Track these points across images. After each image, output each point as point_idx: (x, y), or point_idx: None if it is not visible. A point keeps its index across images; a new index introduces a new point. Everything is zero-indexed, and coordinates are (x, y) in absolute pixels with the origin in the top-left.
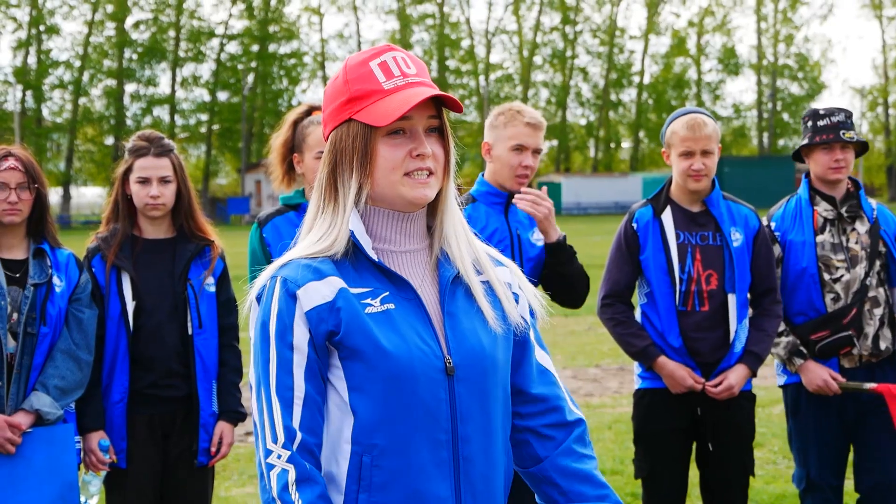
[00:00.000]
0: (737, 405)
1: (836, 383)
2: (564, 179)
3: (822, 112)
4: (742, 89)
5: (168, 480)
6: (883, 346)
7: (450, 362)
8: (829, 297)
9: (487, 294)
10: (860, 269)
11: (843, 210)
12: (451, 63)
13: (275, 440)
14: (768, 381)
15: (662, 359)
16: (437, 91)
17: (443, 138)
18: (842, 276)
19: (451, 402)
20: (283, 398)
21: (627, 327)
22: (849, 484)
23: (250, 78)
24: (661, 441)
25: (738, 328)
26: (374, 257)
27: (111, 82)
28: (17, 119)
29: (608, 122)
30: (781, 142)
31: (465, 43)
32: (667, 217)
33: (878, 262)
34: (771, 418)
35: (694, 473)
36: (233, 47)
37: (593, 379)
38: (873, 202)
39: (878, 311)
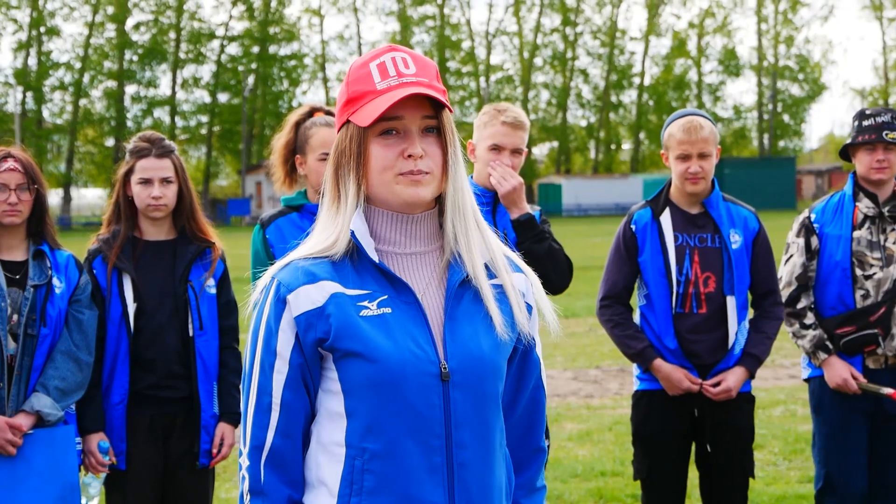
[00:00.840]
0: (736, 407)
1: (855, 383)
2: (565, 181)
3: (868, 112)
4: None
5: (169, 482)
6: None
7: (445, 368)
8: (859, 294)
9: (498, 299)
10: (894, 269)
11: (886, 209)
12: (452, 64)
13: (244, 444)
14: (768, 382)
15: (659, 361)
16: (421, 90)
17: (440, 138)
18: (874, 273)
19: (446, 408)
20: (259, 403)
21: (625, 329)
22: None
23: (251, 79)
24: (659, 442)
25: (736, 330)
26: (376, 259)
27: (112, 84)
28: (18, 120)
29: (609, 123)
30: (782, 143)
31: (466, 44)
32: (665, 219)
33: None
34: (771, 420)
35: (694, 475)
36: (233, 49)
37: (594, 380)
38: None
39: None
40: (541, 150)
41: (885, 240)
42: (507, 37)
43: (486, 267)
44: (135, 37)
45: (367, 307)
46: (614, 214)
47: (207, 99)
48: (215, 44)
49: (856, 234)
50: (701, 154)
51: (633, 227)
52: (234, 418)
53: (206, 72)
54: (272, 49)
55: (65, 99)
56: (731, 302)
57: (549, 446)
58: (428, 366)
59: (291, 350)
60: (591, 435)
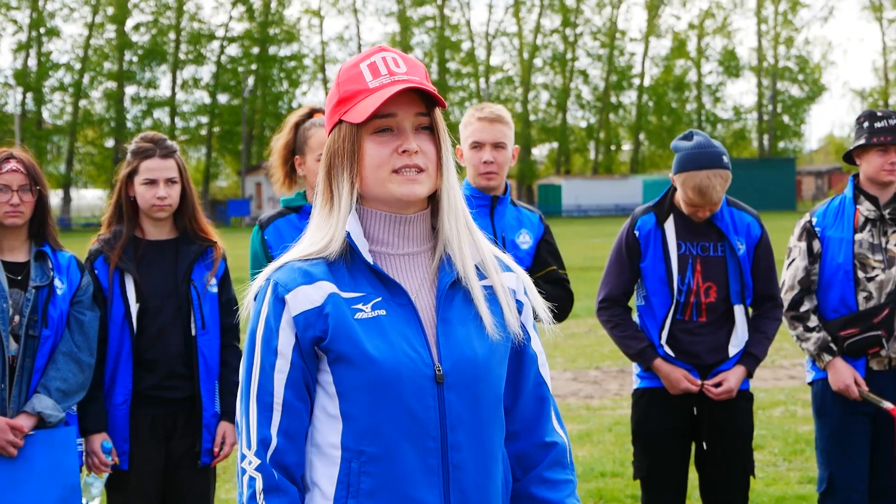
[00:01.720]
0: (735, 405)
1: (857, 390)
2: (565, 181)
3: (879, 114)
4: (742, 91)
5: (170, 481)
6: None
7: (439, 370)
8: (861, 296)
9: (488, 300)
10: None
11: (886, 212)
12: (452, 65)
13: (248, 446)
14: (768, 382)
15: (659, 361)
16: (409, 84)
17: (433, 136)
18: (877, 275)
19: (441, 410)
20: (262, 403)
21: (625, 329)
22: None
23: (250, 80)
24: (659, 441)
25: (741, 337)
26: (370, 260)
27: (111, 85)
28: (18, 121)
29: (608, 124)
30: (781, 144)
31: (466, 45)
32: (669, 226)
33: None
34: (771, 420)
35: (694, 475)
36: (233, 50)
37: (593, 381)
38: None
39: None
40: (541, 151)
41: (887, 242)
42: (506, 38)
43: (477, 268)
44: (135, 38)
45: (361, 310)
46: (614, 215)
47: (207, 100)
48: (215, 45)
49: (857, 236)
50: (712, 206)
51: (636, 232)
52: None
53: (205, 73)
54: (272, 50)
55: (65, 100)
56: (738, 311)
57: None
58: (423, 368)
59: (292, 349)
60: (590, 436)
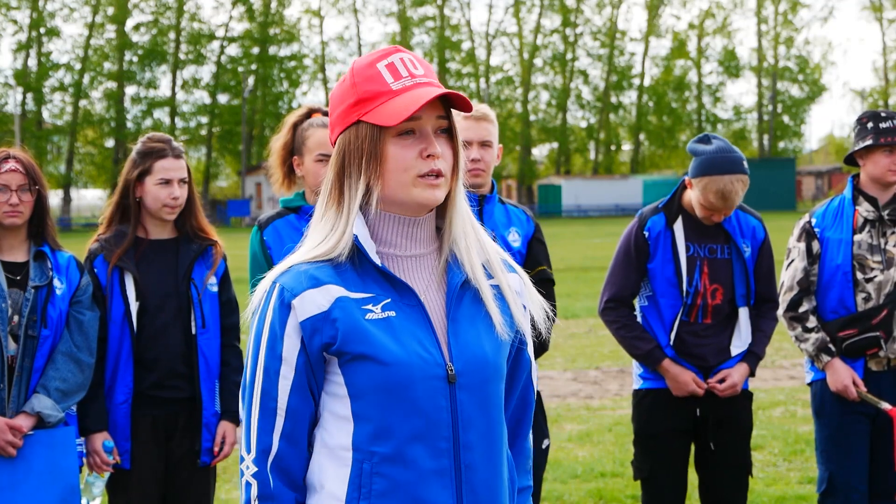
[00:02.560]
0: (737, 404)
1: (855, 391)
2: (565, 182)
3: (883, 114)
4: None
5: (171, 481)
6: None
7: (451, 370)
8: (860, 297)
9: (497, 299)
10: (895, 272)
11: (885, 213)
12: (452, 65)
13: (248, 451)
14: (768, 382)
15: (667, 361)
16: (445, 89)
17: (451, 139)
18: (875, 276)
19: (453, 410)
20: (264, 408)
21: (631, 330)
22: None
23: (251, 80)
24: (660, 442)
25: (743, 339)
26: (378, 262)
27: (111, 85)
28: (18, 121)
29: (608, 124)
30: (782, 144)
31: (466, 45)
32: (678, 228)
33: None
34: (771, 420)
35: (694, 475)
36: (233, 50)
37: (593, 381)
38: None
39: None
40: (541, 151)
41: (886, 243)
42: (507, 38)
43: (483, 268)
44: (135, 38)
45: (371, 311)
46: (614, 215)
47: (207, 100)
48: (215, 45)
49: (856, 237)
50: (723, 211)
51: (646, 233)
52: (236, 417)
53: (205, 73)
54: (272, 50)
55: (65, 100)
56: (743, 313)
57: (548, 446)
58: (435, 368)
59: (297, 355)
60: (590, 436)
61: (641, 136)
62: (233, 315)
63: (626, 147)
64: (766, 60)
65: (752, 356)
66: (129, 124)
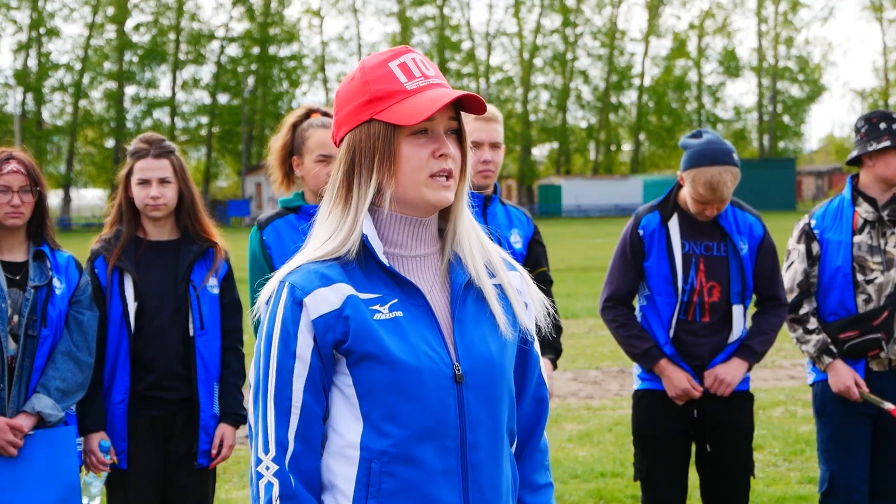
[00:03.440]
0: (735, 405)
1: (858, 391)
2: (565, 182)
3: (894, 115)
4: (742, 92)
5: (169, 482)
6: None
7: (458, 370)
8: (860, 298)
9: (500, 298)
10: (895, 273)
11: (885, 213)
12: (452, 65)
13: (266, 450)
14: (768, 382)
15: (664, 362)
16: (465, 91)
17: (459, 141)
18: (875, 278)
19: (460, 410)
20: (280, 407)
21: (630, 329)
22: None
23: (251, 80)
24: (659, 442)
25: (739, 336)
26: (386, 262)
27: (111, 85)
28: (18, 121)
29: (609, 124)
30: (782, 144)
31: (466, 45)
32: (673, 225)
33: None
34: (772, 420)
35: (694, 476)
36: (233, 50)
37: (594, 381)
38: None
39: None
40: (541, 151)
41: (886, 244)
42: (507, 38)
43: (486, 267)
44: (135, 38)
45: (379, 311)
46: (614, 215)
47: (207, 100)
48: (215, 45)
49: (856, 238)
50: (721, 203)
51: (640, 231)
52: (235, 419)
53: (205, 73)
54: (272, 50)
55: (65, 100)
56: (737, 311)
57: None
58: (443, 368)
59: (311, 353)
60: (591, 436)
61: (641, 136)
62: (235, 317)
63: (627, 147)
64: (766, 60)
65: (747, 350)
66: (129, 124)
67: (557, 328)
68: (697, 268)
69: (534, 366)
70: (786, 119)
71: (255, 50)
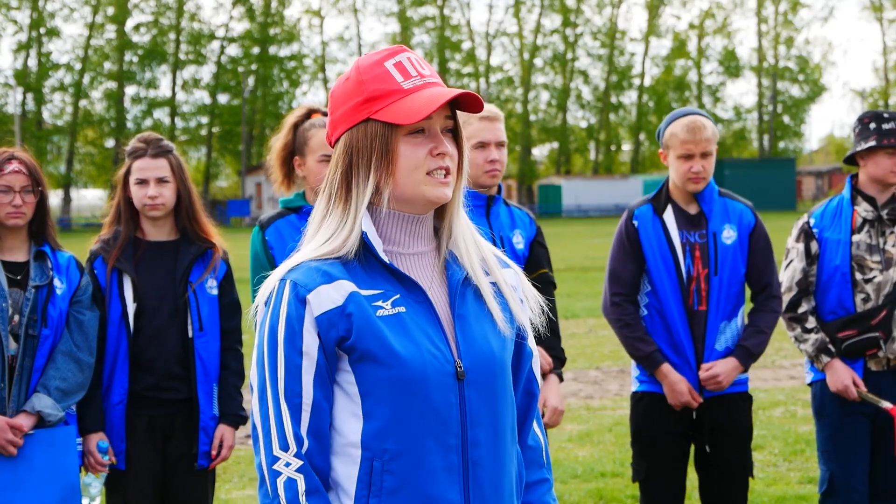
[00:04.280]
0: (734, 406)
1: (856, 391)
2: (565, 181)
3: (886, 115)
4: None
5: (168, 483)
6: None
7: (460, 366)
8: (859, 298)
9: (495, 295)
10: (894, 272)
11: (884, 212)
12: (452, 65)
13: (284, 448)
14: (768, 382)
15: (666, 366)
16: (463, 90)
17: (456, 139)
18: (874, 277)
19: (462, 407)
20: (291, 404)
21: (634, 330)
22: None
23: (251, 80)
24: (658, 444)
25: (724, 326)
26: (386, 259)
27: (112, 85)
28: (18, 122)
29: (609, 124)
30: (782, 144)
31: (466, 45)
32: (669, 216)
33: None
34: (772, 420)
35: (693, 476)
36: (233, 50)
37: (594, 381)
38: None
39: None
40: (541, 151)
41: (885, 243)
42: (507, 38)
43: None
44: (135, 38)
45: (382, 307)
46: (614, 215)
47: (207, 100)
48: (215, 45)
49: (855, 238)
50: (703, 153)
51: (634, 222)
52: (235, 420)
53: (206, 73)
54: (272, 50)
55: (65, 100)
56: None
57: (547, 443)
58: (445, 365)
59: (317, 349)
60: (591, 436)
61: (642, 136)
62: (234, 318)
63: (627, 147)
64: (766, 60)
65: (742, 350)
66: (130, 124)
67: (555, 334)
68: (693, 255)
69: (526, 361)
70: (786, 119)
71: (256, 50)
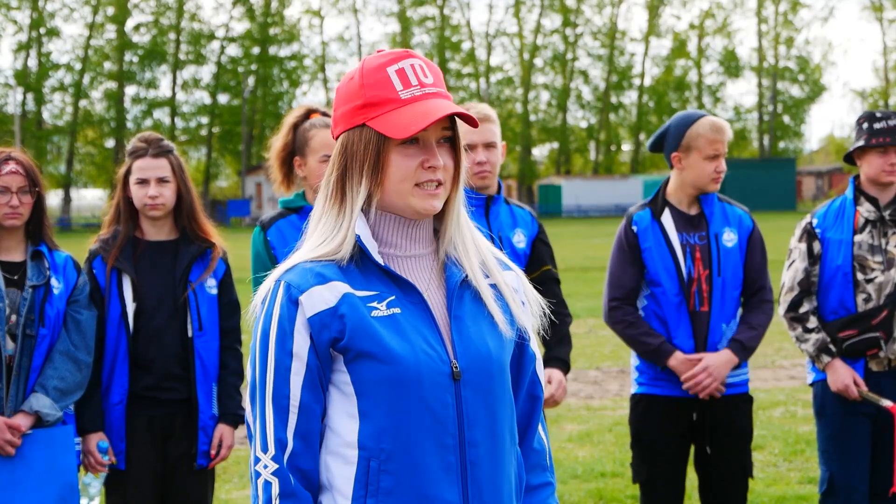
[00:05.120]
0: (734, 407)
1: (857, 390)
2: (565, 182)
3: (878, 115)
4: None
5: (168, 483)
6: None
7: (456, 367)
8: (860, 298)
9: (496, 297)
10: (895, 273)
11: (887, 213)
12: (452, 65)
13: (264, 449)
14: (768, 383)
15: (675, 358)
16: (454, 109)
17: (453, 148)
18: (875, 277)
19: (458, 407)
20: (278, 406)
21: (638, 328)
22: None
23: (251, 80)
24: (658, 446)
25: (725, 327)
26: (381, 262)
27: (112, 85)
28: (18, 122)
29: (609, 124)
30: (782, 144)
31: (466, 45)
32: (667, 219)
33: None
34: (771, 420)
35: (693, 476)
36: (233, 50)
37: (594, 381)
38: None
39: None
40: (541, 151)
41: (887, 243)
42: (507, 38)
43: (480, 267)
44: (135, 38)
45: (377, 308)
46: (614, 215)
47: (207, 100)
48: (215, 45)
49: (857, 238)
50: (724, 153)
51: (634, 228)
52: (234, 420)
53: (206, 73)
54: (272, 50)
55: (65, 100)
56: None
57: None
58: (440, 365)
59: (308, 351)
60: (591, 436)
61: (642, 136)
62: (234, 317)
63: (627, 147)
64: (766, 60)
65: (736, 343)
66: (130, 124)
67: (566, 340)
68: (693, 256)
69: (529, 363)
70: (786, 119)
71: (256, 50)
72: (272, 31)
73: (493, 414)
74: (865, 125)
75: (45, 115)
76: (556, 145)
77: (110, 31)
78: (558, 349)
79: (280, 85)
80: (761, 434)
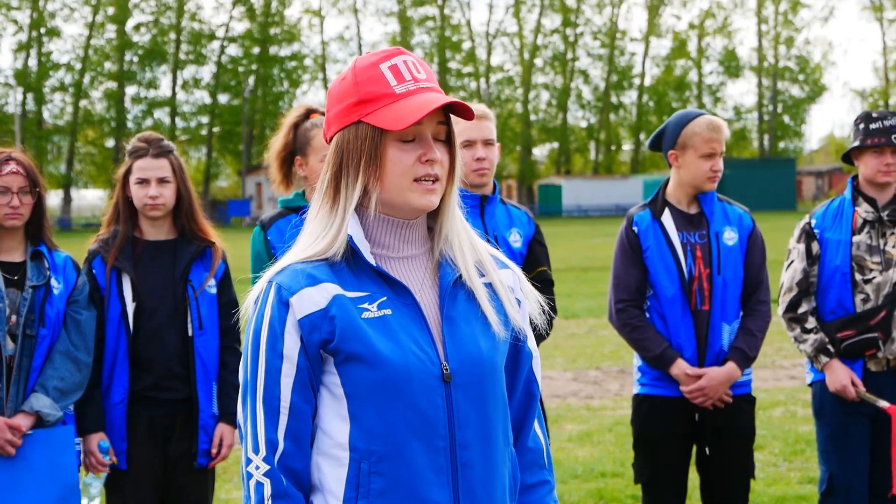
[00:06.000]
0: (736, 408)
1: (854, 391)
2: (565, 181)
3: (874, 115)
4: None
5: (169, 482)
6: None
7: (446, 369)
8: (858, 298)
9: (490, 297)
10: (894, 273)
11: (885, 213)
12: (452, 65)
13: (255, 451)
14: (768, 383)
15: (678, 366)
16: (450, 98)
17: (448, 145)
18: (874, 277)
19: (449, 409)
20: (268, 407)
21: (643, 332)
22: None
23: (251, 80)
24: (660, 447)
25: (726, 326)
26: (373, 262)
27: (112, 85)
28: (18, 121)
29: (609, 124)
30: (782, 144)
31: (466, 45)
32: (667, 219)
33: None
34: (772, 421)
35: (695, 477)
36: (233, 50)
37: (594, 381)
38: None
39: None
40: (541, 151)
41: (885, 244)
42: (507, 38)
43: (476, 267)
44: (135, 38)
45: (367, 309)
46: (614, 215)
47: (208, 100)
48: (215, 45)
49: (855, 238)
50: (721, 152)
51: (634, 228)
52: (234, 419)
53: (206, 73)
54: (272, 50)
55: (65, 100)
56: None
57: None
58: (431, 367)
59: (298, 353)
60: (591, 436)
61: (642, 136)
62: (232, 317)
63: (627, 147)
64: (766, 60)
65: (736, 352)
66: (130, 124)
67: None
68: (694, 255)
69: (525, 362)
70: (786, 119)
71: (256, 50)
72: (272, 30)
73: (485, 415)
74: (862, 125)
75: (46, 114)
76: (556, 145)
77: (110, 31)
78: None
79: (280, 85)
80: (761, 434)
